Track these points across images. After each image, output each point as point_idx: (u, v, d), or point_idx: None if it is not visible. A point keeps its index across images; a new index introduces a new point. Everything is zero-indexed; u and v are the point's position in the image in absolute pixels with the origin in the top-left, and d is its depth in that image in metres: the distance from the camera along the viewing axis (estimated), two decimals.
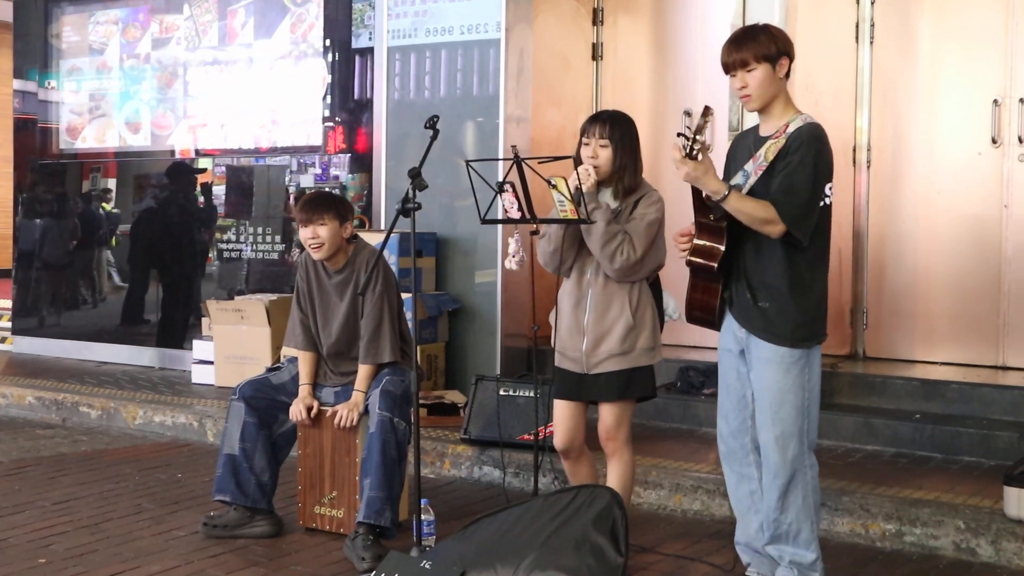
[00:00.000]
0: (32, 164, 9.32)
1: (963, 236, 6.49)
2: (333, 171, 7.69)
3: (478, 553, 3.91)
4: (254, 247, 8.07)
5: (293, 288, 4.96)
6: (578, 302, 4.21)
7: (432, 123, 4.27)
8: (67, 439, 6.68)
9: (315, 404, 4.77)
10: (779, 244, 3.67)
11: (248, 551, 4.57)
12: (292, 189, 7.87)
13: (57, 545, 4.61)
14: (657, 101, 7.31)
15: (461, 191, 6.54)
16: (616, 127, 4.15)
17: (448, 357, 6.82)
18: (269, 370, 5.02)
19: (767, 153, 3.67)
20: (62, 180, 9.20)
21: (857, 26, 6.69)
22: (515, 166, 4.14)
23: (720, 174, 3.74)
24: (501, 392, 5.66)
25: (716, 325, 3.90)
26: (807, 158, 3.61)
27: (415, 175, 4.22)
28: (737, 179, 3.73)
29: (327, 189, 7.36)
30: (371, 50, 7.41)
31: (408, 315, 5.00)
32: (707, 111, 3.58)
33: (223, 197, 8.26)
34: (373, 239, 4.91)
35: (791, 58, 3.76)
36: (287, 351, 5.91)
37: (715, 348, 4.02)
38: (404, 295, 4.92)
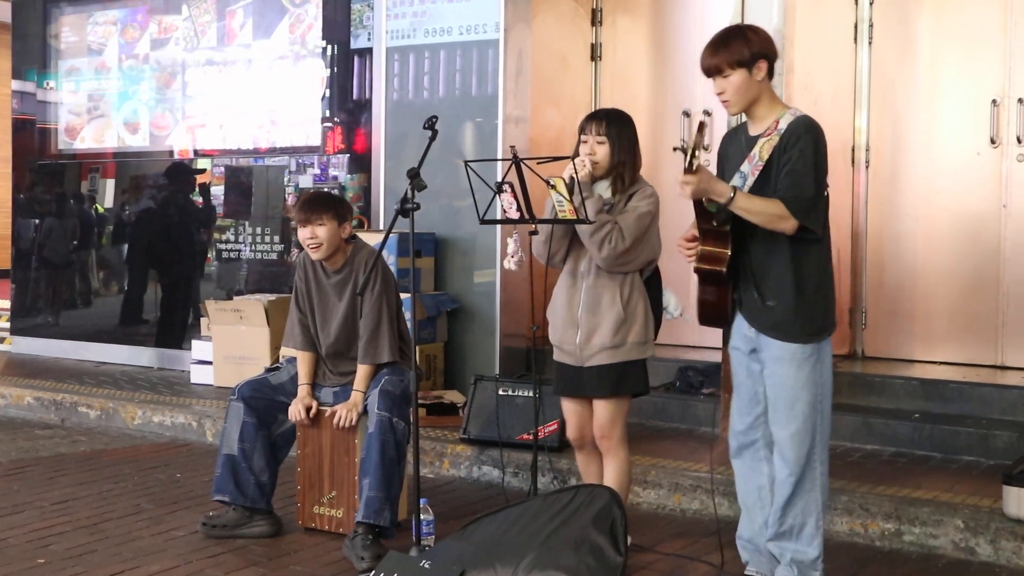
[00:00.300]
0: (31, 164, 9.32)
1: (962, 236, 6.50)
2: (332, 171, 7.69)
3: (477, 553, 3.91)
4: (253, 247, 8.07)
5: (292, 288, 4.96)
6: (572, 295, 4.27)
7: (431, 123, 4.28)
8: (66, 439, 6.67)
9: (314, 404, 4.77)
10: (784, 243, 3.68)
11: (247, 551, 4.57)
12: (291, 190, 7.86)
13: (56, 545, 4.61)
14: (656, 101, 7.31)
15: (460, 191, 6.54)
16: (613, 124, 4.20)
17: (447, 357, 6.82)
18: (268, 370, 5.02)
19: (761, 152, 3.68)
20: (61, 180, 9.19)
21: (856, 26, 6.70)
22: (514, 166, 4.15)
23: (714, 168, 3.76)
24: (500, 392, 5.66)
25: (729, 324, 3.93)
26: (807, 150, 3.63)
27: (414, 175, 4.22)
28: (735, 181, 3.73)
29: (326, 189, 7.36)
30: (370, 50, 7.41)
31: (407, 315, 5.00)
32: (702, 127, 3.58)
33: (222, 197, 8.25)
34: (372, 239, 4.91)
35: (770, 59, 3.74)
36: (286, 351, 5.92)
37: (715, 348, 4.04)
38: (403, 295, 4.92)
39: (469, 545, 3.97)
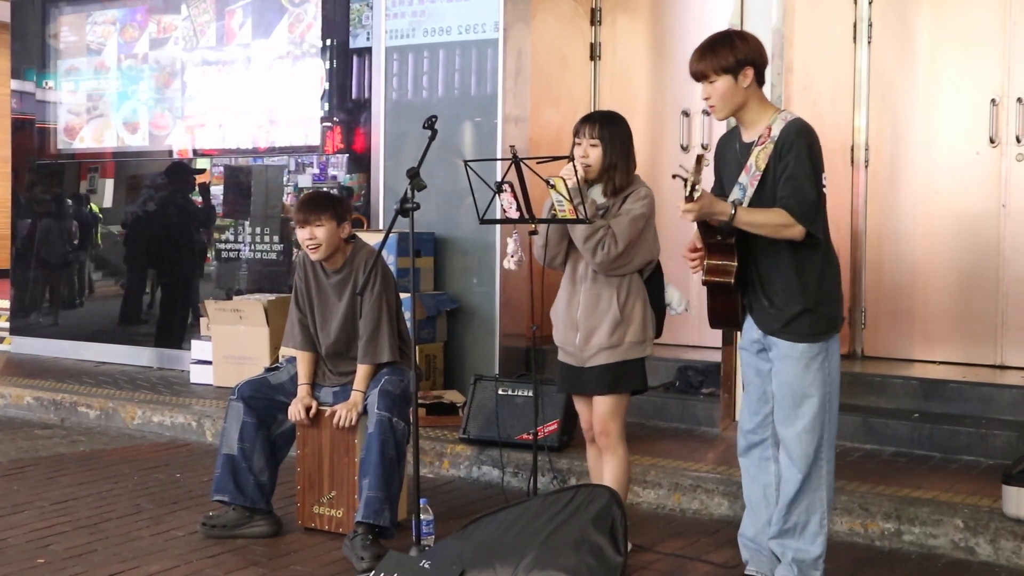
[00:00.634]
0: (30, 164, 9.31)
1: (961, 235, 6.50)
2: (331, 171, 7.69)
3: (477, 552, 3.91)
4: (252, 247, 8.07)
5: (291, 288, 4.96)
6: (572, 297, 4.31)
7: (430, 123, 4.28)
8: (65, 439, 6.67)
9: (314, 404, 4.77)
10: (786, 250, 3.70)
11: (247, 551, 4.57)
12: (290, 189, 7.86)
13: (56, 545, 4.61)
14: (655, 101, 7.31)
15: (460, 191, 6.54)
16: (606, 127, 4.22)
17: (447, 357, 6.82)
18: (268, 370, 5.02)
19: (757, 161, 3.69)
20: (60, 180, 9.19)
21: (855, 26, 6.70)
22: (513, 166, 4.15)
23: (711, 184, 3.75)
24: (500, 392, 5.66)
25: (741, 327, 3.96)
26: (802, 154, 3.63)
27: (413, 175, 4.22)
28: (735, 194, 3.75)
29: (325, 189, 7.36)
30: (369, 50, 7.41)
31: (407, 315, 5.00)
32: (699, 160, 3.53)
33: (221, 197, 8.25)
34: (372, 239, 4.91)
35: (757, 66, 3.74)
36: (286, 351, 5.92)
37: (714, 347, 4.05)
38: (403, 295, 4.92)
39: (469, 545, 3.97)
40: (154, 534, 4.78)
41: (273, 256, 7.99)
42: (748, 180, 3.71)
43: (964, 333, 6.50)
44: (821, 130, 3.84)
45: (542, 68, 7.01)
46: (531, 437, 4.89)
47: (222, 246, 8.21)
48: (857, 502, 4.74)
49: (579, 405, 4.45)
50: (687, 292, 4.48)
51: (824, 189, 3.72)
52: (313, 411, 4.75)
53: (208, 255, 8.31)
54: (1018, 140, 6.31)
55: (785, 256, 3.72)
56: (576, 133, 4.25)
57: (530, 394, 5.43)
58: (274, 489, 4.81)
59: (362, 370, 4.68)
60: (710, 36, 3.83)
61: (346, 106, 7.64)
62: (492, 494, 5.36)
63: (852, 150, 6.72)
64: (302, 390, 4.78)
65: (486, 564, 3.85)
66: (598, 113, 4.37)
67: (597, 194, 4.23)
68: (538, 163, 4.19)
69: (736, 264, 3.72)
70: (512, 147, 4.23)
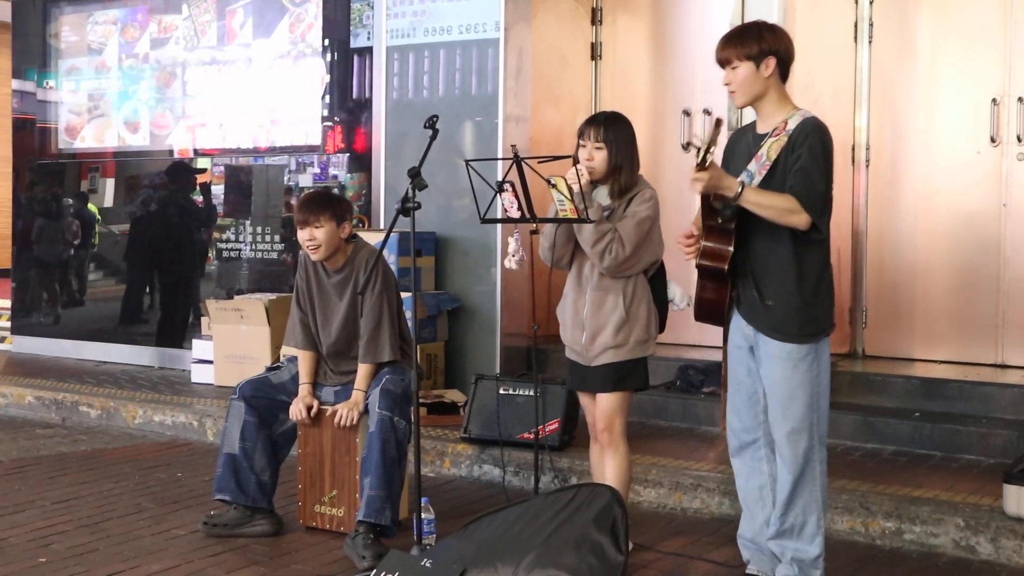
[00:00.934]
0: (31, 164, 9.32)
1: (962, 235, 6.50)
2: (332, 171, 7.69)
3: (478, 551, 3.91)
4: (253, 247, 8.07)
5: (292, 287, 4.97)
6: (578, 296, 4.32)
7: (431, 123, 4.28)
8: (67, 438, 6.68)
9: (315, 403, 4.77)
10: (786, 242, 3.68)
11: (248, 550, 4.57)
12: (291, 188, 7.87)
13: (57, 544, 4.62)
14: (656, 100, 7.32)
15: (460, 190, 6.55)
16: (610, 129, 4.22)
17: (448, 356, 6.83)
18: (269, 369, 5.02)
19: (769, 152, 3.69)
20: (61, 180, 9.19)
21: (856, 25, 6.70)
22: (514, 165, 4.15)
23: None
24: (501, 391, 5.66)
25: (724, 323, 3.93)
26: (816, 148, 3.64)
27: (414, 175, 4.22)
28: (742, 179, 3.73)
29: (324, 188, 7.36)
30: (370, 50, 7.41)
31: (408, 314, 5.01)
32: (718, 123, 3.60)
33: (222, 197, 8.26)
34: (372, 238, 4.91)
35: (781, 58, 3.76)
36: (287, 350, 5.91)
37: (715, 347, 4.05)
38: (404, 294, 4.92)
39: (470, 544, 3.97)
40: (155, 533, 4.78)
41: (274, 256, 8.00)
42: (757, 168, 3.70)
43: (965, 332, 6.50)
44: None
45: (543, 68, 7.01)
46: (532, 436, 4.90)
47: (223, 246, 8.22)
48: (858, 501, 4.75)
49: (584, 402, 4.47)
50: (688, 288, 4.48)
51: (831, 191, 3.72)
52: (314, 410, 4.76)
53: (209, 255, 8.31)
54: (1019, 139, 6.31)
55: (784, 249, 3.70)
56: (580, 135, 4.25)
57: (531, 393, 5.44)
58: (275, 488, 4.82)
59: (363, 369, 4.69)
60: (740, 24, 3.88)
61: (347, 106, 7.64)
62: (493, 493, 5.36)
63: (853, 149, 6.72)
64: (303, 389, 4.78)
65: (487, 563, 3.86)
66: (602, 115, 4.34)
67: (603, 196, 4.23)
68: (539, 163, 4.19)
69: (732, 251, 3.70)
70: (513, 147, 4.23)
